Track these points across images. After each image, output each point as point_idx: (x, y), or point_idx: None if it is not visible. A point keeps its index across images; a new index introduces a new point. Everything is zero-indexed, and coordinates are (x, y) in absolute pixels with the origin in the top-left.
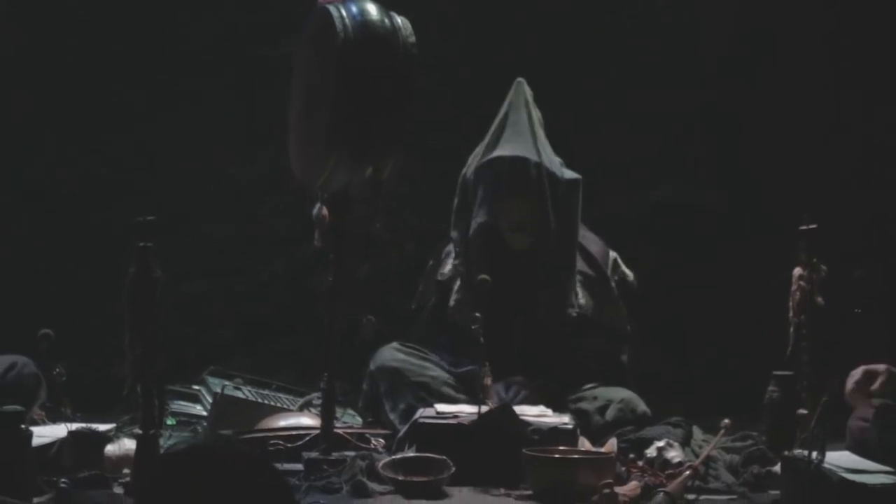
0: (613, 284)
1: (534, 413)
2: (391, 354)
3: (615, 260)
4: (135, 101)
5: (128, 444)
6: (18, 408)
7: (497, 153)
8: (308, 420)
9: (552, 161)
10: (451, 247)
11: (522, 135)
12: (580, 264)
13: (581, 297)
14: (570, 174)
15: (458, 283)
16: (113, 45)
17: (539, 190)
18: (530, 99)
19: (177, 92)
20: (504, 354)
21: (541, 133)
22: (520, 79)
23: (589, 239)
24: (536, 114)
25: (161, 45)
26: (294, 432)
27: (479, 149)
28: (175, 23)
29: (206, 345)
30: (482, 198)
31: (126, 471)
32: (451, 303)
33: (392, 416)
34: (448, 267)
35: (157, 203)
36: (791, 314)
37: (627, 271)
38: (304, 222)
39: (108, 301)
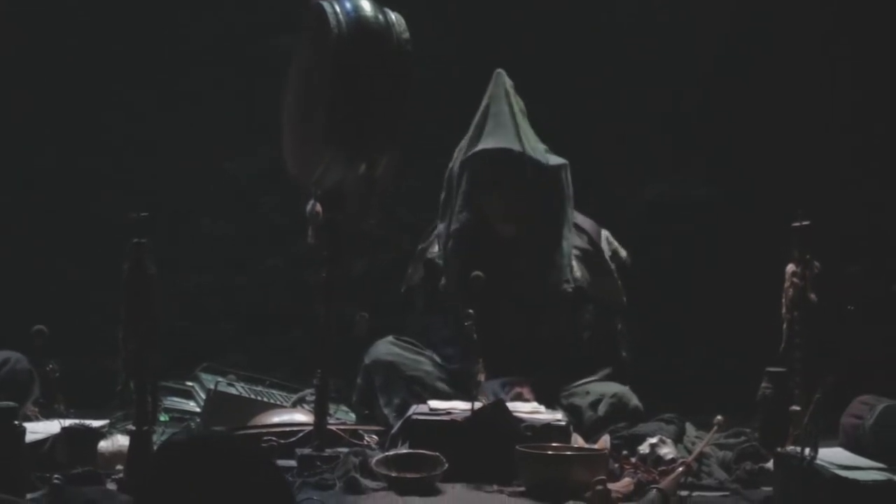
0: (608, 258)
1: (527, 410)
2: (386, 348)
3: (607, 237)
4: (135, 101)
5: (121, 441)
6: (11, 404)
7: (480, 146)
8: (301, 416)
9: (536, 149)
10: (440, 228)
11: (505, 126)
12: (574, 240)
13: (577, 271)
14: (555, 160)
15: (436, 252)
16: (113, 45)
17: (524, 180)
18: (510, 89)
19: (177, 92)
20: (498, 348)
21: (523, 122)
22: (499, 70)
23: (580, 218)
24: (518, 104)
25: (161, 45)
26: (287, 429)
27: (464, 142)
28: (175, 23)
29: (201, 340)
30: (466, 192)
31: (119, 467)
32: (443, 280)
33: (386, 411)
34: (436, 247)
35: (156, 201)
36: (784, 311)
37: (620, 248)
38: (301, 219)
39: (105, 297)
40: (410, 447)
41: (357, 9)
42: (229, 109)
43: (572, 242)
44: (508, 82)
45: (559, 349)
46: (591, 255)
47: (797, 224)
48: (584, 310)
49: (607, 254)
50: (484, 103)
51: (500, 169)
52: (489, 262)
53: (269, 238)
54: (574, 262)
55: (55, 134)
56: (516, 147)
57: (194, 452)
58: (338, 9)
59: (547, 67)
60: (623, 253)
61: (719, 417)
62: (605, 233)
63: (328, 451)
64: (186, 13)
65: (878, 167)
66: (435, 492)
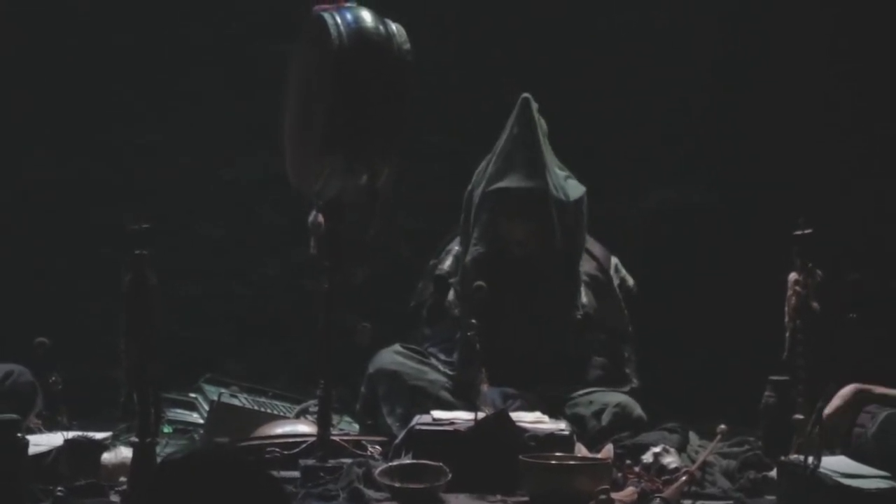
0: (616, 286)
1: (530, 419)
2: (390, 357)
3: (616, 264)
4: (134, 101)
5: (124, 453)
6: (15, 416)
7: (506, 183)
8: (305, 427)
9: (558, 184)
10: (451, 245)
11: (532, 161)
12: (585, 266)
13: (584, 297)
14: (575, 191)
15: (456, 277)
16: (113, 45)
17: (546, 218)
18: (536, 113)
19: (177, 92)
20: (505, 361)
21: (548, 152)
22: (525, 95)
23: (591, 242)
24: (542, 127)
25: (161, 45)
26: (291, 440)
27: (486, 165)
28: (175, 23)
29: (202, 348)
30: (485, 225)
31: (122, 479)
32: (450, 297)
33: (389, 420)
34: (448, 263)
35: (154, 204)
36: (787, 319)
37: (628, 276)
38: (301, 226)
39: (106, 305)
40: (414, 457)
41: (358, 20)
42: (229, 115)
43: (583, 269)
44: (535, 106)
45: (566, 368)
46: (599, 282)
47: (799, 232)
48: (593, 335)
49: (615, 282)
50: (509, 129)
51: (523, 208)
52: (502, 281)
53: (268, 245)
54: (582, 288)
55: (55, 134)
56: (541, 186)
57: (195, 466)
58: (338, 20)
59: (545, 74)
60: (630, 282)
61: (722, 426)
62: (614, 260)
63: (331, 462)
64: (186, 18)
65: (880, 174)
66: (438, 502)
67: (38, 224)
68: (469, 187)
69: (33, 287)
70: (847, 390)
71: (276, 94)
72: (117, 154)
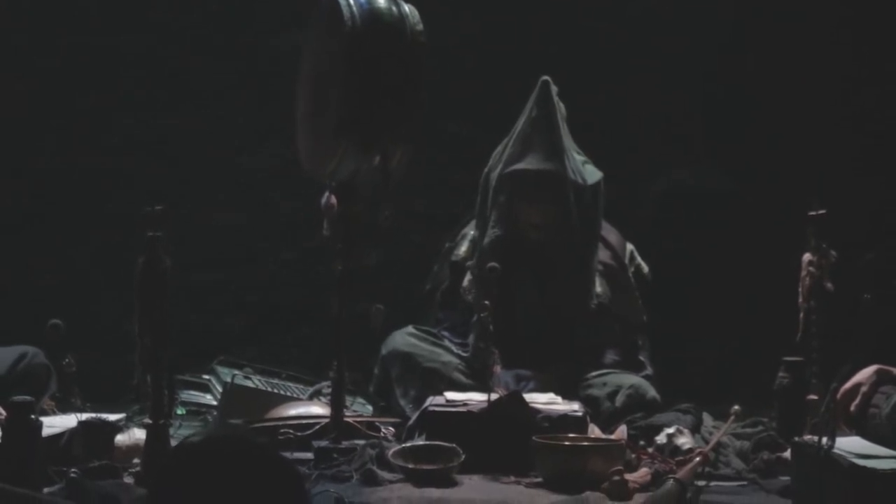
0: (630, 275)
1: (543, 400)
2: (403, 339)
3: (632, 252)
4: (145, 91)
5: (138, 434)
6: (28, 398)
7: (524, 165)
8: (318, 409)
9: (576, 168)
10: (467, 229)
11: (550, 144)
12: (600, 254)
13: (598, 286)
14: (593, 176)
15: (473, 261)
16: (118, 36)
17: (563, 201)
18: (556, 98)
19: (187, 81)
20: (519, 344)
21: (566, 136)
22: (545, 77)
23: (607, 230)
24: (561, 111)
25: (168, 33)
26: (304, 421)
27: (503, 149)
28: (183, 11)
29: (216, 333)
30: (501, 209)
31: (136, 460)
32: (465, 283)
33: (402, 402)
34: (463, 248)
35: (167, 192)
36: (801, 300)
37: (643, 263)
38: (314, 212)
39: (119, 290)
40: (427, 439)
41: (370, 1)
42: (240, 99)
43: (598, 257)
44: (554, 89)
45: (579, 347)
46: (614, 271)
47: (813, 213)
48: (607, 325)
49: (630, 270)
50: (529, 112)
51: (540, 190)
52: (518, 265)
53: (281, 230)
54: (597, 277)
55: (66, 121)
56: (559, 169)
57: (210, 450)
58: (351, 1)
59: (558, 57)
60: (645, 269)
61: (736, 407)
62: (629, 247)
63: (345, 444)
64: (198, 8)
65: (894, 154)
66: (452, 483)
67: (52, 211)
68: (486, 169)
69: (47, 273)
70: (868, 370)
71: (289, 85)
72: (132, 143)
